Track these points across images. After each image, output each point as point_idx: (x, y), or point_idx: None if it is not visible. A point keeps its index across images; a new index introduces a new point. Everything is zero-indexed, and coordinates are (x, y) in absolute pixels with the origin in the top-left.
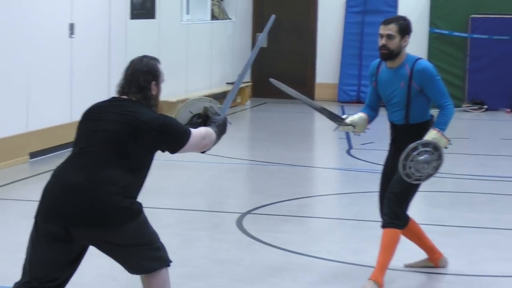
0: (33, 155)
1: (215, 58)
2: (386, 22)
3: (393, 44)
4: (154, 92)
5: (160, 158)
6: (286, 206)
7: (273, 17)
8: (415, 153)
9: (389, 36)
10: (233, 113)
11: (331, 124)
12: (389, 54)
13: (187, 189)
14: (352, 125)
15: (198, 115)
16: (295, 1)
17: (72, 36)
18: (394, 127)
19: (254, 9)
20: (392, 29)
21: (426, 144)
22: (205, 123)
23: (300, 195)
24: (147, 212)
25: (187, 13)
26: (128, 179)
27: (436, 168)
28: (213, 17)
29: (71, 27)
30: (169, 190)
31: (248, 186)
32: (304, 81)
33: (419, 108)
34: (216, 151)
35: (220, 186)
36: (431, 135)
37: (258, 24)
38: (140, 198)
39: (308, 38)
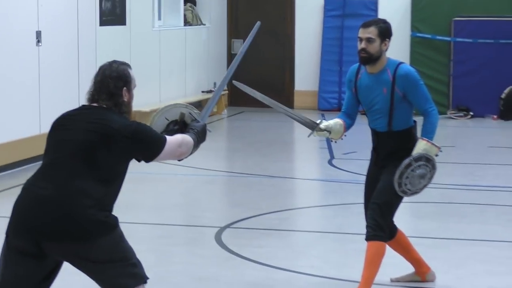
0: (1, 169)
1: (190, 66)
2: (366, 25)
3: (373, 48)
4: (125, 99)
5: (132, 170)
6: (267, 219)
7: (258, 24)
8: (409, 169)
9: (369, 40)
10: (209, 122)
11: (308, 131)
12: (369, 58)
13: (162, 203)
14: (327, 130)
15: (175, 122)
16: (271, 5)
17: (40, 44)
18: (376, 135)
19: (229, 14)
20: (372, 32)
21: (419, 159)
22: (182, 130)
23: (281, 207)
24: (121, 227)
25: (159, 18)
26: (102, 191)
27: (431, 179)
28: (186, 22)
29: (38, 34)
30: (143, 204)
31: (226, 198)
32: (282, 88)
33: (402, 114)
34: (192, 163)
35: (196, 199)
36: (421, 146)
37: (233, 30)
38: (113, 213)
39: (286, 44)
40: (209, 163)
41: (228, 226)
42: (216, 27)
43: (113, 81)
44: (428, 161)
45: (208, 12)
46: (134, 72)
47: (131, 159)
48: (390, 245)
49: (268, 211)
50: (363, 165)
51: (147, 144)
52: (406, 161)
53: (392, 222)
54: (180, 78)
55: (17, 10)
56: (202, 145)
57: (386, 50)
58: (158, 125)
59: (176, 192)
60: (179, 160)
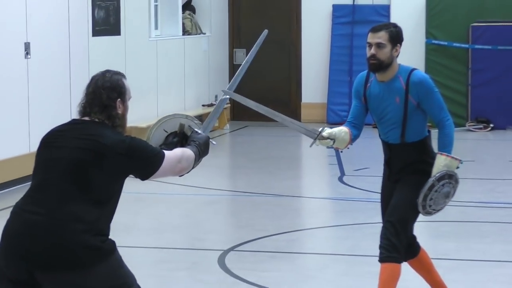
0: None
1: (189, 78)
2: (375, 30)
3: (384, 54)
4: (119, 111)
5: (130, 190)
6: (273, 241)
7: (265, 32)
8: (433, 191)
9: (379, 45)
10: (210, 138)
11: (320, 149)
12: (379, 65)
13: (162, 225)
14: (331, 138)
15: (174, 134)
16: (276, 12)
17: (28, 56)
18: (388, 147)
19: (231, 22)
20: (382, 37)
21: (441, 178)
22: (182, 143)
23: (288, 228)
24: (119, 251)
25: (156, 28)
26: (95, 214)
27: (454, 194)
28: (185, 31)
29: (27, 46)
30: (142, 226)
31: (230, 219)
32: (288, 100)
33: (416, 125)
34: (193, 182)
35: (199, 220)
36: (441, 162)
37: (235, 39)
38: (110, 236)
39: (292, 53)
40: (212, 181)
41: (232, 249)
42: (217, 36)
43: (106, 92)
44: (450, 177)
45: (209, 20)
46: (129, 83)
47: (126, 177)
48: (411, 264)
49: (275, 232)
50: (376, 182)
51: (142, 161)
52: (429, 182)
53: (415, 238)
54: (179, 91)
55: (4, 20)
56: (203, 162)
57: (397, 56)
58: (156, 138)
59: (177, 213)
60: (179, 176)
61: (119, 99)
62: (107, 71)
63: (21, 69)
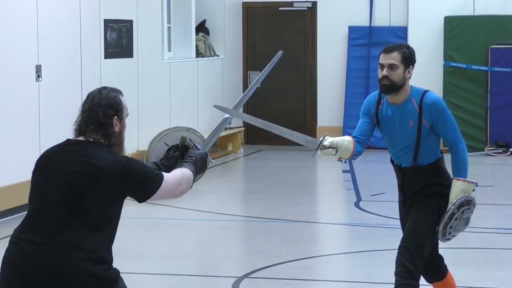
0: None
1: (202, 100)
2: (388, 50)
3: (396, 76)
4: (116, 129)
5: (141, 215)
6: (288, 268)
7: (280, 53)
8: (453, 219)
9: (391, 66)
10: (224, 162)
11: (336, 173)
12: (392, 87)
13: (174, 251)
14: (333, 147)
15: (176, 147)
16: (291, 34)
17: (40, 79)
18: (400, 171)
19: (245, 44)
20: (394, 58)
21: (461, 205)
22: (183, 157)
23: (304, 255)
24: (129, 278)
25: (169, 50)
26: (94, 240)
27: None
28: (198, 54)
29: (38, 69)
30: (153, 252)
31: (244, 246)
32: (303, 124)
33: (429, 147)
34: (206, 207)
35: (212, 246)
36: (458, 188)
37: (250, 61)
38: (120, 262)
39: (307, 76)
40: (225, 207)
41: (246, 276)
42: (231, 58)
43: (102, 109)
44: (469, 203)
45: (222, 42)
46: (140, 104)
47: (124, 199)
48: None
49: (289, 259)
50: (393, 208)
51: (138, 184)
52: (449, 211)
53: (442, 259)
54: (192, 113)
55: (15, 43)
56: (217, 188)
57: (410, 78)
58: (157, 151)
59: (189, 239)
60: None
61: (116, 117)
62: (104, 88)
63: (32, 91)
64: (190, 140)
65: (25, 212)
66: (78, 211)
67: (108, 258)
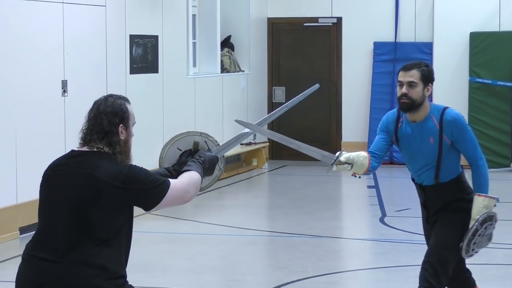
0: (23, 230)
1: (227, 116)
2: (407, 68)
3: (416, 93)
4: (122, 137)
5: (167, 230)
6: (313, 284)
7: (316, 86)
8: (476, 235)
9: (411, 84)
10: (249, 177)
11: (360, 189)
12: (411, 105)
13: (199, 266)
14: (348, 163)
15: (188, 152)
16: (316, 49)
17: (65, 94)
18: (422, 189)
19: (270, 60)
20: (414, 75)
21: (484, 221)
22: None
23: (328, 270)
24: None
25: (194, 65)
26: (104, 254)
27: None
28: (223, 69)
29: (64, 84)
30: (177, 267)
31: (268, 261)
32: (328, 139)
33: (450, 164)
34: (231, 221)
35: (236, 261)
36: (480, 204)
37: (274, 77)
38: (145, 277)
39: (332, 91)
40: (249, 222)
41: None
42: (255, 74)
43: (107, 117)
44: (491, 218)
45: (247, 58)
46: (167, 121)
47: (131, 208)
48: None
49: (314, 274)
50: (418, 224)
51: (142, 192)
52: (473, 227)
53: (469, 274)
54: (217, 129)
55: (42, 58)
56: (241, 203)
57: (429, 95)
58: (169, 157)
59: (214, 253)
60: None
61: (121, 125)
62: (110, 95)
63: (58, 107)
64: (204, 143)
65: None
66: (85, 226)
67: (120, 272)
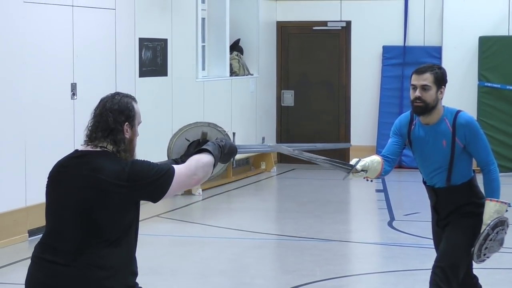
0: (32, 232)
1: (236, 119)
2: (420, 71)
3: (429, 96)
4: (127, 135)
5: (176, 233)
6: (321, 287)
7: (348, 145)
8: (488, 240)
9: (424, 87)
10: (257, 181)
11: (369, 193)
12: (425, 108)
13: (208, 269)
14: (364, 170)
15: (197, 143)
16: (325, 53)
17: (75, 97)
18: (433, 192)
19: (279, 63)
20: (427, 79)
21: (495, 226)
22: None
23: (337, 274)
24: None
25: (203, 69)
26: (114, 255)
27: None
28: (232, 72)
29: (73, 87)
30: (187, 271)
31: (277, 264)
32: (336, 143)
33: (462, 167)
34: (239, 225)
35: (245, 265)
36: (491, 208)
37: (283, 80)
38: (154, 280)
39: (341, 95)
40: (258, 225)
41: None
42: (264, 77)
43: (113, 115)
44: (503, 223)
45: (256, 61)
46: (174, 122)
47: (137, 204)
48: None
49: (323, 278)
50: (426, 228)
51: (148, 186)
52: (484, 232)
53: (476, 280)
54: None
55: (50, 61)
56: (250, 206)
57: (442, 98)
58: (178, 147)
59: (223, 257)
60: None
61: (127, 123)
62: (117, 93)
63: (67, 109)
64: (212, 133)
65: None
66: (93, 228)
67: (131, 270)
